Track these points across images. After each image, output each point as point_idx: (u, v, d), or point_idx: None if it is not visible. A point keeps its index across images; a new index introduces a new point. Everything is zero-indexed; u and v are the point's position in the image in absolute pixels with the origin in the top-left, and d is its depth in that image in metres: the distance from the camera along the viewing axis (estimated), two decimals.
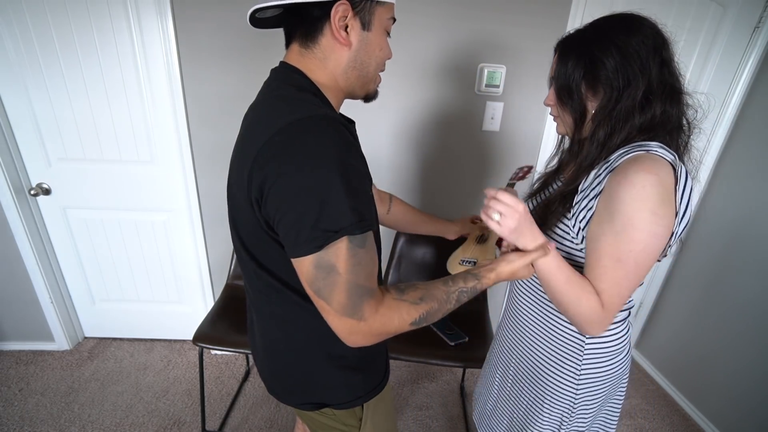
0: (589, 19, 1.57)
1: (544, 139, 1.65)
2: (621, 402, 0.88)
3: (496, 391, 0.98)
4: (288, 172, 0.51)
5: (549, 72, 0.75)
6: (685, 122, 0.67)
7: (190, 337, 2.03)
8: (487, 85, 1.55)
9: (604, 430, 0.89)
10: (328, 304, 0.54)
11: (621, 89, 0.63)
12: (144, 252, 1.84)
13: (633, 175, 0.59)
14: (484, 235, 0.96)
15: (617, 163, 0.63)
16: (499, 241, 0.80)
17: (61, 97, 1.52)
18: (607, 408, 0.87)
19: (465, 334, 1.52)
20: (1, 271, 1.76)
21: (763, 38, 1.51)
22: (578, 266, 0.71)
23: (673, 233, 0.61)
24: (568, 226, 0.71)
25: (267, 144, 0.52)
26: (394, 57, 1.65)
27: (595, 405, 0.83)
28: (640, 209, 0.58)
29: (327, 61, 0.62)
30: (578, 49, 0.67)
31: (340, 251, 0.52)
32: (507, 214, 0.64)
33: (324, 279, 0.53)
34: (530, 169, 0.94)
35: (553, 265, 0.67)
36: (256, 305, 0.72)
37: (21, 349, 1.93)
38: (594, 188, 0.66)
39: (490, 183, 1.74)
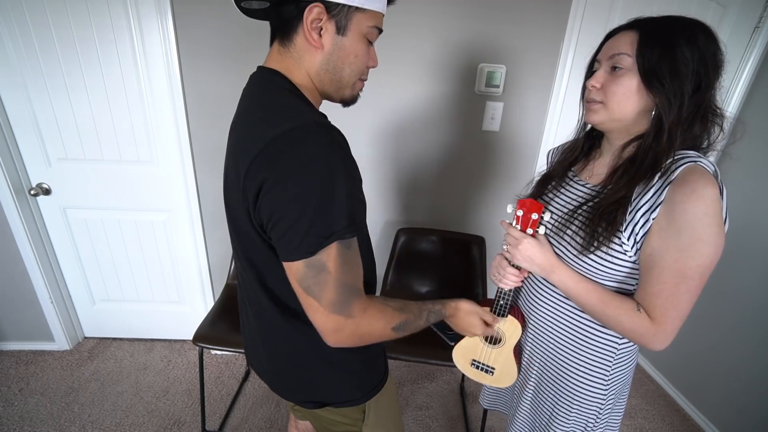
0: (589, 19, 1.56)
1: (544, 139, 1.65)
2: (625, 401, 0.87)
3: (516, 399, 0.95)
4: (281, 180, 0.52)
5: (601, 51, 0.70)
6: (706, 141, 0.67)
7: (190, 337, 2.02)
8: (487, 85, 1.55)
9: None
10: (317, 301, 0.57)
11: (692, 91, 0.62)
12: (144, 252, 1.84)
13: (702, 189, 0.59)
14: (494, 336, 0.87)
15: (673, 176, 0.61)
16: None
17: (61, 97, 1.52)
18: (619, 400, 0.86)
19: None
20: (1, 271, 1.76)
21: (763, 38, 1.52)
22: (633, 292, 0.70)
23: None
24: (621, 240, 0.66)
25: (260, 154, 0.53)
26: (394, 57, 1.65)
27: (611, 402, 0.83)
28: (711, 224, 0.59)
29: (302, 61, 0.62)
30: (666, 38, 0.62)
31: (330, 252, 0.55)
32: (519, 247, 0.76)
33: (314, 277, 0.55)
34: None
35: (580, 289, 0.71)
36: (259, 314, 0.72)
37: (21, 349, 1.93)
38: (649, 200, 0.63)
39: (489, 183, 1.74)
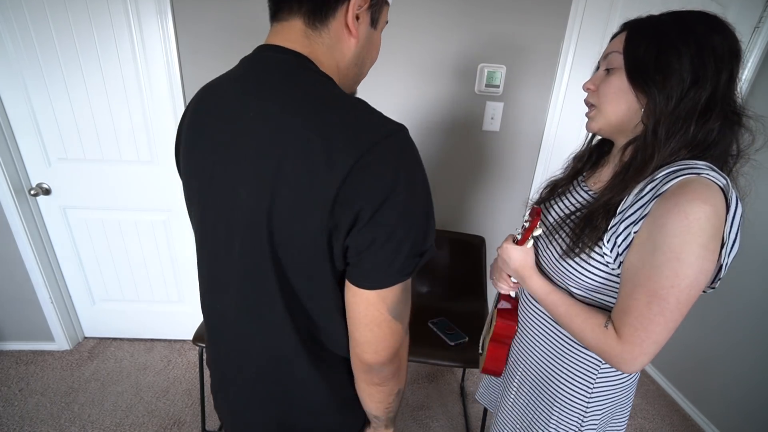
0: (589, 19, 1.56)
1: (544, 139, 1.65)
2: (627, 415, 0.85)
3: (499, 399, 0.95)
4: (390, 198, 0.45)
5: (605, 52, 0.68)
6: (735, 148, 0.61)
7: (190, 337, 2.02)
8: (487, 85, 1.55)
9: None
10: (402, 323, 0.52)
11: (687, 86, 0.57)
12: (144, 252, 1.84)
13: (686, 204, 0.53)
14: (492, 322, 0.91)
15: (665, 188, 0.56)
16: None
17: (61, 97, 1.52)
18: (613, 421, 0.84)
19: (465, 334, 1.52)
20: (1, 271, 1.76)
21: (763, 38, 1.52)
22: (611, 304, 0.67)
23: (721, 266, 0.56)
24: (602, 250, 0.63)
25: (359, 166, 0.43)
26: (393, 56, 1.66)
27: (603, 417, 0.80)
28: (690, 242, 0.53)
29: (333, 50, 0.53)
30: (653, 32, 0.60)
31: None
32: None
33: (405, 300, 0.51)
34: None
35: (549, 301, 0.70)
36: (270, 371, 0.60)
37: (21, 349, 1.93)
38: (635, 212, 0.59)
39: (489, 183, 1.74)
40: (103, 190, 1.69)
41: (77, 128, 1.58)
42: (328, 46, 0.52)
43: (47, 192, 1.68)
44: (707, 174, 0.55)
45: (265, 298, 0.54)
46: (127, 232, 1.79)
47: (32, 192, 1.64)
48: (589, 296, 0.69)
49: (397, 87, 1.56)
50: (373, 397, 0.60)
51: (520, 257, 0.75)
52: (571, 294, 0.71)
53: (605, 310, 0.68)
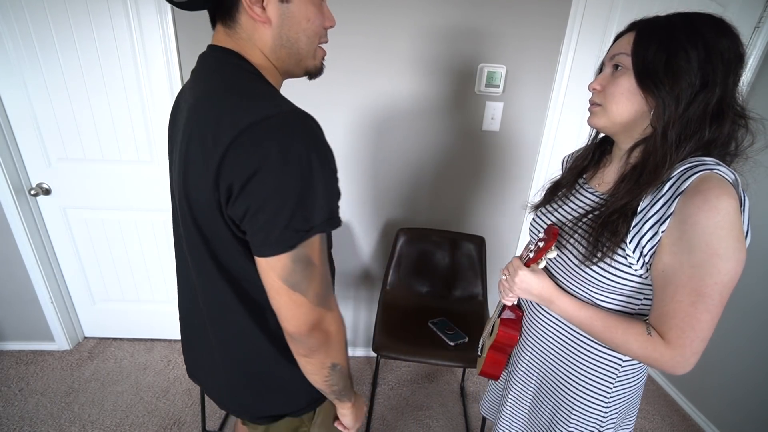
0: (589, 19, 1.55)
1: (544, 139, 1.65)
2: (632, 422, 0.84)
3: (509, 408, 0.93)
4: (259, 170, 0.48)
5: (607, 53, 0.68)
6: (733, 146, 0.62)
7: None
8: (487, 85, 1.55)
9: None
10: (304, 295, 0.55)
11: (696, 90, 0.58)
12: (144, 252, 1.84)
13: (715, 200, 0.54)
14: (494, 328, 0.89)
15: (685, 185, 0.56)
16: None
17: (61, 97, 1.52)
18: (626, 420, 0.83)
19: (465, 334, 1.52)
20: (1, 271, 1.76)
21: (763, 38, 1.52)
22: (640, 310, 0.67)
23: None
24: (625, 251, 0.62)
25: (234, 145, 0.49)
26: (394, 57, 1.65)
27: (618, 416, 0.80)
28: (726, 237, 0.54)
29: (254, 41, 0.57)
30: (662, 34, 0.60)
31: (314, 245, 0.54)
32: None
33: (302, 271, 0.54)
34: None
35: (582, 318, 0.68)
36: (216, 319, 0.66)
37: (21, 349, 1.93)
38: (658, 210, 0.59)
39: (489, 183, 1.74)
40: (103, 190, 1.69)
41: (77, 128, 1.58)
42: (247, 40, 0.57)
43: (47, 192, 1.68)
44: (718, 170, 0.56)
45: (195, 266, 0.63)
46: (127, 232, 1.79)
47: (32, 192, 1.64)
48: (614, 301, 0.68)
49: (398, 87, 1.56)
50: (305, 368, 0.64)
51: (538, 282, 0.73)
52: (595, 303, 0.69)
53: (633, 314, 0.67)
